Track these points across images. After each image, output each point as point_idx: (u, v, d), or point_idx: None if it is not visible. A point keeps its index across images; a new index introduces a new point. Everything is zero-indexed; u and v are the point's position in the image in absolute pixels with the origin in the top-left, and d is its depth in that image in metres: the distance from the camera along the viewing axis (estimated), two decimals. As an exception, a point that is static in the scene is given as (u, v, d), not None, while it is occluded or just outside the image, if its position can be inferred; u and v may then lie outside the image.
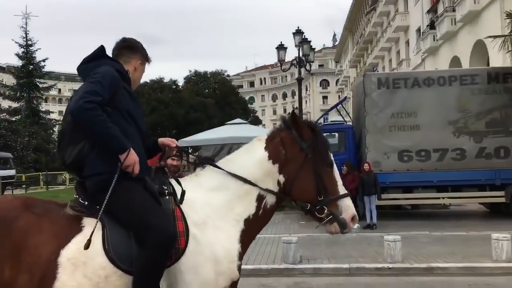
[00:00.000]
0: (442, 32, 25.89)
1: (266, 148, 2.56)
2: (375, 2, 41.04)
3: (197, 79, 40.25)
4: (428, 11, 29.38)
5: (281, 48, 17.12)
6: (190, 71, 46.08)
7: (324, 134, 2.64)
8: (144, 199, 2.30)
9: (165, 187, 2.43)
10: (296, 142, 2.53)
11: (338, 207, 2.48)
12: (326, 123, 14.47)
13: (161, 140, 2.67)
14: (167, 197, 2.38)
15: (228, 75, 47.38)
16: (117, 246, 2.21)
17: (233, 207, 2.47)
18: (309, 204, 2.49)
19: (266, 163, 2.53)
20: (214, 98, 36.85)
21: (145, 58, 2.61)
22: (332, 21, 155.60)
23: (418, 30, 31.38)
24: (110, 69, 2.36)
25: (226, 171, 2.51)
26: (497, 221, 10.72)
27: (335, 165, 2.58)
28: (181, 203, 2.37)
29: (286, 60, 17.74)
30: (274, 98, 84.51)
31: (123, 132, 2.28)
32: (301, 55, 17.13)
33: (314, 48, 17.70)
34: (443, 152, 11.24)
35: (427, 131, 11.24)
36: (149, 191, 2.34)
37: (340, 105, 14.58)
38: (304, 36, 17.09)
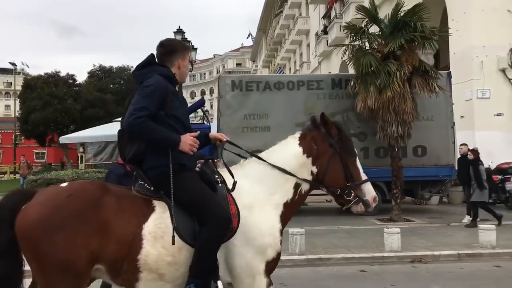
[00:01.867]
0: (332, 37, 27.27)
1: (300, 145, 3.07)
2: (282, 5, 42.24)
3: (101, 74, 38.93)
4: (323, 17, 30.83)
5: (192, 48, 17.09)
6: (94, 65, 44.65)
7: None
8: (203, 187, 2.78)
9: (217, 176, 2.90)
10: (326, 139, 3.06)
11: (362, 190, 3.03)
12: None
13: (212, 134, 3.14)
14: (220, 184, 2.85)
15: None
16: (183, 224, 2.69)
17: (274, 193, 2.97)
18: (339, 190, 3.04)
19: (301, 157, 3.04)
20: (120, 94, 35.83)
21: (186, 52, 2.99)
22: (255, 19, 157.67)
23: (317, 34, 32.81)
24: (159, 80, 2.75)
25: (269, 163, 3.00)
26: (335, 216, 11.52)
27: (357, 157, 3.12)
28: (233, 191, 2.84)
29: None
30: (193, 95, 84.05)
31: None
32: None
33: (196, 48, 17.96)
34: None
35: (277, 132, 11.76)
36: (205, 180, 2.81)
37: (204, 106, 14.91)
38: (184, 35, 17.24)
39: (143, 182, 2.81)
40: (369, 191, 3.05)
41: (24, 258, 2.59)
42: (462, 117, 15.41)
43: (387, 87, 10.61)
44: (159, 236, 2.66)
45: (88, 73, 39.65)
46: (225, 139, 3.10)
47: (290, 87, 12.15)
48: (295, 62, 41.17)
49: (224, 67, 78.99)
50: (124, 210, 2.65)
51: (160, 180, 2.75)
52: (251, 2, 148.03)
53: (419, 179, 12.34)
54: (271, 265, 2.87)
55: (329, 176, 3.03)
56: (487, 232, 7.70)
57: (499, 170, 13.53)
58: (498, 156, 13.79)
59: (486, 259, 7.29)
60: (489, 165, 12.81)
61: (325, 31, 29.26)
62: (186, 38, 17.22)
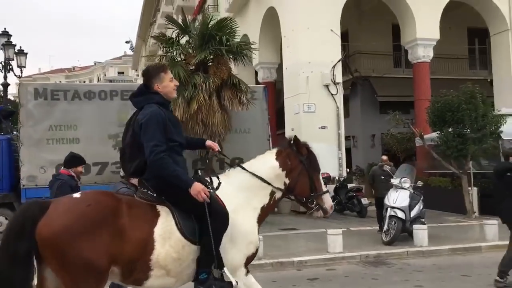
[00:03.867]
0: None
1: (277, 159, 3.62)
2: (155, 14, 41.47)
3: None
4: (189, 28, 30.81)
5: None
6: None
7: None
8: None
9: (208, 183, 3.33)
10: (297, 156, 3.62)
11: (323, 199, 3.63)
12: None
13: (208, 143, 3.71)
14: (210, 190, 3.23)
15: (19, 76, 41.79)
16: (185, 225, 3.14)
17: (253, 199, 3.48)
18: (304, 198, 3.63)
19: (277, 169, 3.57)
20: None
21: (160, 74, 3.31)
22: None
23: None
24: (156, 111, 3.16)
25: (251, 172, 3.52)
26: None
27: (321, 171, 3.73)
28: (217, 190, 3.33)
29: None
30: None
31: (174, 162, 3.16)
32: (5, 58, 15.73)
33: (27, 53, 16.49)
34: (103, 166, 11.27)
35: (88, 144, 11.11)
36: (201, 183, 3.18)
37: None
38: (9, 39, 15.76)
39: (146, 190, 3.22)
40: (328, 201, 3.67)
41: (36, 266, 2.89)
42: (292, 129, 16.08)
43: (193, 98, 10.56)
44: (167, 237, 3.06)
45: None
46: (217, 149, 3.66)
47: (102, 97, 11.55)
48: (168, 72, 40.53)
49: (105, 75, 75.42)
50: (136, 216, 3.02)
51: (160, 189, 3.16)
52: (135, 8, 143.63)
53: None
54: (250, 259, 3.42)
55: (298, 187, 3.61)
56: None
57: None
58: (323, 167, 14.55)
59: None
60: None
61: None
62: (11, 42, 15.77)
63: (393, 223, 8.78)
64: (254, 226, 3.45)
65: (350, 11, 20.85)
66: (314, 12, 15.39)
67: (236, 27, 11.21)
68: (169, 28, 11.02)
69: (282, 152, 3.67)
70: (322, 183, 3.68)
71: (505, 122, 12.44)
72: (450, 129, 12.70)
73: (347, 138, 20.96)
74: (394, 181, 9.15)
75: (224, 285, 3.17)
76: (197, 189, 3.07)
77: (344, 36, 22.22)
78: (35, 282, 2.94)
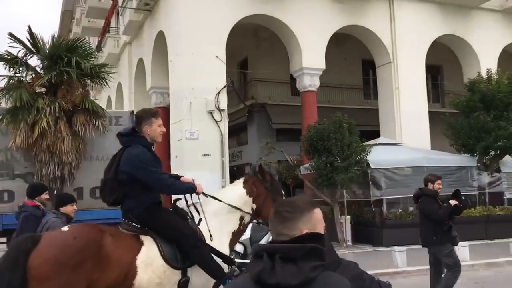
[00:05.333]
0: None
1: (244, 187, 4.16)
2: (68, 34, 40.00)
3: None
4: (97, 49, 29.77)
5: None
6: None
7: None
8: (178, 220, 3.71)
9: (187, 214, 3.85)
10: (262, 183, 4.16)
11: None
12: None
13: (182, 178, 4.01)
14: (190, 220, 3.81)
15: None
16: (167, 252, 3.53)
17: (225, 225, 3.98)
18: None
19: (245, 196, 4.11)
20: None
21: (151, 119, 3.76)
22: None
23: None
24: (144, 152, 3.66)
25: (222, 202, 4.00)
26: None
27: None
28: (199, 225, 3.82)
29: None
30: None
31: None
32: None
33: None
34: None
35: None
36: (179, 215, 3.76)
37: None
38: None
39: (130, 222, 3.64)
40: None
41: None
42: (176, 156, 15.58)
43: (36, 123, 9.75)
44: (149, 263, 3.44)
45: None
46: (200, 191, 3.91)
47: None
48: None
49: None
50: (119, 246, 3.40)
51: (143, 218, 3.61)
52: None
53: (100, 222, 11.67)
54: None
55: (264, 210, 3.97)
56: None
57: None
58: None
59: None
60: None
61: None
62: None
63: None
64: (226, 251, 3.84)
65: (248, 38, 21.07)
66: (199, 37, 15.18)
67: (89, 49, 10.63)
68: (14, 47, 10.17)
69: (249, 180, 4.16)
70: None
71: (369, 152, 12.68)
72: (322, 158, 12.77)
73: (245, 165, 20.84)
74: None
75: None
76: (200, 186, 3.79)
77: (244, 63, 22.40)
78: None
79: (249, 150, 20.52)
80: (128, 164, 3.57)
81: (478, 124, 13.64)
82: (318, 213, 1.68)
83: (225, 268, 3.87)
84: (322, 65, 16.90)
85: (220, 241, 3.81)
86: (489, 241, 13.20)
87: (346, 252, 12.11)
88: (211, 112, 15.38)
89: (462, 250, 9.63)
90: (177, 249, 3.55)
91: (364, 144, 13.28)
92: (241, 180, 4.21)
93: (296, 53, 17.01)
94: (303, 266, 1.50)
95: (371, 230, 13.27)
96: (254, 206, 4.06)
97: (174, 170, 15.64)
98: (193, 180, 4.01)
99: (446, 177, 13.80)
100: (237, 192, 4.09)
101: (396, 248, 9.54)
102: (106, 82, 11.14)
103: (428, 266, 9.33)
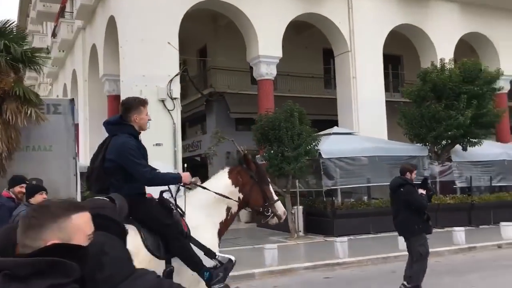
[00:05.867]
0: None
1: (229, 177, 4.12)
2: (26, 20, 38.43)
3: None
4: (52, 35, 28.68)
5: None
6: None
7: None
8: (161, 211, 3.64)
9: (172, 205, 3.75)
10: (247, 172, 4.14)
11: (276, 207, 4.14)
12: None
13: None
14: (174, 211, 3.71)
15: None
16: (150, 242, 3.53)
17: (212, 215, 3.95)
18: (260, 208, 4.14)
19: (230, 186, 4.07)
20: None
21: (140, 107, 3.74)
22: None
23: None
24: (130, 141, 3.61)
25: (210, 191, 3.95)
26: None
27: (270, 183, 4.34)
28: (183, 217, 3.76)
29: None
30: None
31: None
32: None
33: None
34: None
35: None
36: (165, 207, 3.68)
37: None
38: None
39: None
40: (280, 207, 4.16)
41: None
42: (126, 146, 15.07)
43: (-40, 112, 9.11)
44: (135, 253, 3.13)
45: None
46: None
47: None
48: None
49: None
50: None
51: (129, 209, 3.32)
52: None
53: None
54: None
55: (251, 199, 4.11)
56: None
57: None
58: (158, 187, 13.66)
59: None
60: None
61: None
62: None
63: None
64: (213, 241, 3.85)
65: (207, 25, 20.57)
66: (150, 23, 14.65)
67: (22, 33, 9.99)
68: None
69: (233, 170, 4.16)
70: (273, 192, 4.21)
71: (319, 142, 12.53)
72: (273, 147, 12.54)
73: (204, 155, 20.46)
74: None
75: (227, 266, 3.71)
76: (186, 176, 3.72)
77: (203, 51, 21.91)
78: None
79: (208, 140, 20.11)
80: (114, 153, 3.59)
81: (429, 114, 13.67)
82: (78, 219, 1.36)
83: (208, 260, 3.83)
84: (279, 53, 16.62)
85: (207, 232, 3.82)
86: (440, 230, 13.31)
87: (296, 242, 11.99)
88: (163, 101, 14.92)
89: (400, 239, 9.57)
90: (160, 239, 3.57)
91: (316, 134, 13.12)
92: (226, 170, 4.20)
93: (252, 41, 16.66)
94: (34, 285, 1.19)
95: (323, 220, 13.17)
96: (241, 196, 4.08)
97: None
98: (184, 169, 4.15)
99: (397, 166, 13.86)
100: (222, 183, 4.08)
101: (338, 239, 9.42)
102: (41, 68, 10.51)
103: (369, 257, 9.37)
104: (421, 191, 6.38)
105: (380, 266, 8.87)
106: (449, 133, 13.50)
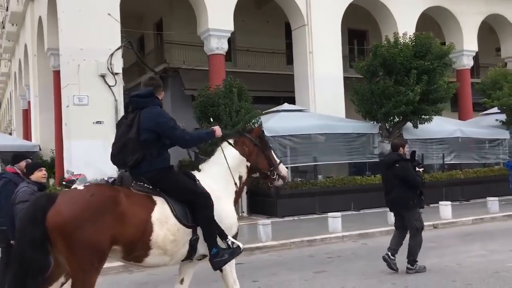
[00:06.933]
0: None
1: (235, 148, 4.35)
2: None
3: None
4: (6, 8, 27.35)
5: None
6: None
7: None
8: (188, 181, 3.94)
9: (195, 177, 4.03)
10: (251, 141, 4.43)
11: (279, 169, 4.47)
12: None
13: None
14: (197, 182, 3.99)
15: None
16: (179, 211, 3.76)
17: (228, 186, 4.21)
18: (267, 171, 4.42)
19: (238, 156, 4.33)
20: None
21: (162, 86, 4.14)
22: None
23: None
24: (164, 111, 3.95)
25: (224, 163, 4.22)
26: None
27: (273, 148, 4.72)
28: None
29: None
30: None
31: (165, 159, 4.01)
32: None
33: None
34: None
35: None
36: (187, 176, 3.99)
37: None
38: None
39: (142, 183, 3.80)
40: (283, 169, 4.52)
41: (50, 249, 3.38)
42: (66, 124, 14.35)
43: None
44: (164, 221, 3.66)
45: None
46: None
47: None
48: None
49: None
50: (134, 204, 3.59)
51: (157, 180, 3.79)
52: None
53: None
54: (234, 238, 4.03)
55: (259, 165, 4.39)
56: None
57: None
58: (99, 166, 13.01)
59: None
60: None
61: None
62: None
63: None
64: (233, 209, 4.14)
65: (162, -2, 19.62)
66: (88, -7, 13.72)
67: None
68: None
69: (238, 141, 4.39)
70: (275, 156, 4.52)
71: (258, 120, 11.96)
72: (212, 125, 11.94)
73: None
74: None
75: (234, 251, 3.88)
76: (219, 133, 4.11)
77: (160, 25, 20.99)
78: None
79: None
80: (151, 122, 3.76)
81: (379, 90, 13.16)
82: None
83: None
84: (230, 27, 15.85)
85: (225, 203, 4.06)
86: (380, 210, 12.92)
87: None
88: (103, 76, 14.13)
89: (333, 221, 9.17)
90: (188, 209, 3.77)
91: (261, 111, 12.55)
92: (231, 141, 4.40)
93: (202, 13, 15.87)
94: None
95: (267, 200, 12.71)
96: (249, 164, 4.34)
97: (64, 139, 14.47)
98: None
99: (347, 144, 13.42)
100: (230, 154, 4.28)
101: (260, 221, 8.96)
102: None
103: (293, 240, 8.93)
104: (418, 168, 6.56)
105: (304, 249, 8.44)
106: (399, 109, 13.02)
